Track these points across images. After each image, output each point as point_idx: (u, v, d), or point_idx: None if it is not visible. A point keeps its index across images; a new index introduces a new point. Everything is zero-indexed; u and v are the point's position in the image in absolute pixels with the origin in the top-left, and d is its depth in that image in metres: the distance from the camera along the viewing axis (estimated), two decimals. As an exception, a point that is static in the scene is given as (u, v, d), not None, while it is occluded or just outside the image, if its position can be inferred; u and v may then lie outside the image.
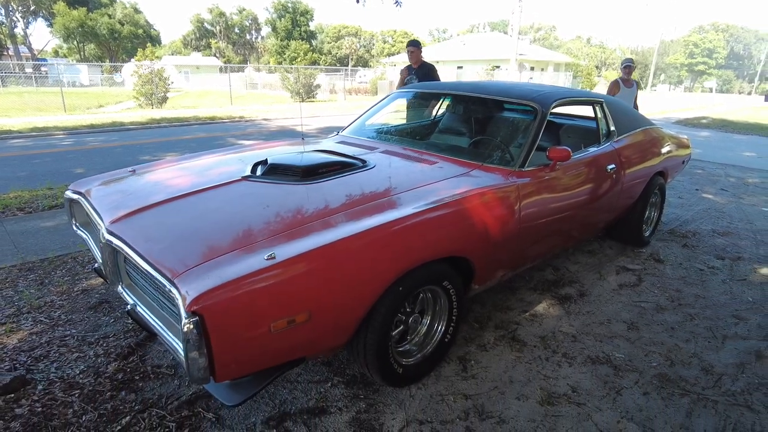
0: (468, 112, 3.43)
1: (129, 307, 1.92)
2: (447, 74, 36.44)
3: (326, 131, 10.73)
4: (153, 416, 1.95)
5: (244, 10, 66.10)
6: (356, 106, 18.84)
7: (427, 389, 2.17)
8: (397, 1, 11.59)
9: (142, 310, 1.87)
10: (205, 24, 65.30)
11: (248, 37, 69.12)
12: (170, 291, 1.54)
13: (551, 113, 3.20)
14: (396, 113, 3.76)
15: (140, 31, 50.37)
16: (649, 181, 3.76)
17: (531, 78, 33.81)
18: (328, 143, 3.18)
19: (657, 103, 25.15)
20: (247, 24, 67.52)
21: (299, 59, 50.13)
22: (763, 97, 26.23)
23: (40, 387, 2.09)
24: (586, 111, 3.67)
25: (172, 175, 2.61)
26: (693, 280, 3.43)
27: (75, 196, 2.47)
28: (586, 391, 2.20)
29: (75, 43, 48.81)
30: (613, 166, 3.22)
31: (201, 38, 65.49)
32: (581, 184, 2.97)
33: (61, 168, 6.93)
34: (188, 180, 2.46)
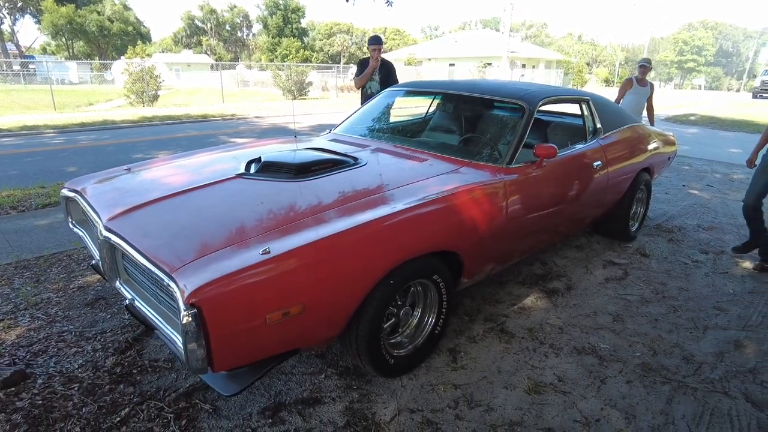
0: (458, 111, 3.50)
1: (127, 301, 1.97)
2: (439, 72, 36.56)
3: (318, 129, 10.78)
4: (151, 408, 2.00)
5: (235, 7, 65.69)
6: (348, 103, 18.87)
7: (418, 379, 2.24)
8: (388, 1, 11.60)
9: (140, 305, 1.92)
10: (196, 21, 64.83)
11: (239, 34, 68.75)
12: (168, 285, 1.59)
13: (539, 111, 3.27)
14: (388, 111, 3.81)
15: (130, 28, 49.92)
16: (635, 177, 3.85)
17: (522, 75, 33.99)
18: (321, 141, 3.24)
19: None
20: (239, 21, 67.11)
21: (291, 56, 49.97)
22: (751, 94, 26.50)
23: (39, 381, 2.14)
24: (575, 109, 3.75)
25: (167, 173, 2.65)
26: (677, 274, 3.52)
27: (71, 194, 2.51)
28: (572, 380, 2.28)
29: (63, 40, 48.32)
30: (599, 162, 3.30)
31: (192, 35, 65.02)
32: (568, 180, 3.05)
33: (53, 166, 6.92)
34: (183, 178, 2.50)
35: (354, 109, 3.83)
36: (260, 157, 2.59)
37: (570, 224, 3.31)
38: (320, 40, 65.56)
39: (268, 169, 2.46)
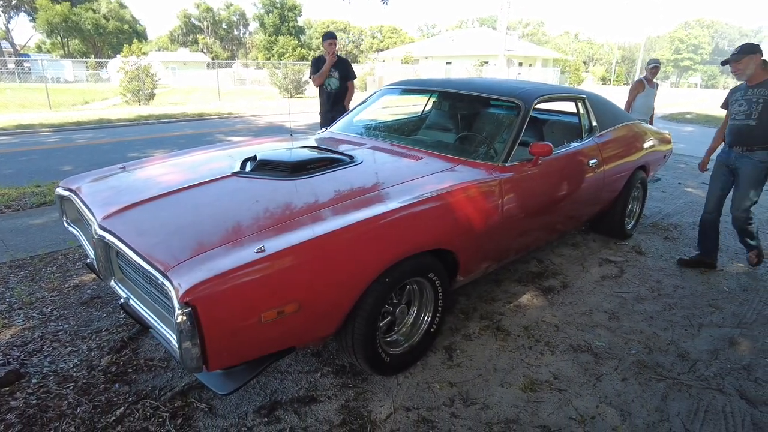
0: (453, 109, 3.50)
1: (122, 300, 1.97)
2: (436, 70, 36.54)
3: (315, 127, 10.75)
4: (147, 407, 2.00)
5: (231, 5, 65.49)
6: (345, 102, 18.82)
7: (414, 378, 2.24)
8: (384, -1, 11.59)
9: (135, 304, 1.92)
10: (192, 19, 64.60)
11: (236, 32, 68.53)
12: (163, 284, 1.59)
13: (535, 109, 3.28)
14: (384, 109, 3.82)
15: (126, 26, 49.67)
16: (631, 175, 3.86)
17: (519, 74, 34.01)
18: (317, 139, 3.23)
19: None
20: (235, 19, 66.90)
21: (287, 55, 49.86)
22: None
23: (34, 380, 2.13)
24: (570, 107, 3.76)
25: (163, 171, 2.65)
26: (673, 272, 3.53)
27: (66, 193, 2.50)
28: (568, 377, 2.29)
29: (59, 38, 48.08)
30: (594, 160, 3.31)
31: (188, 34, 64.78)
32: (563, 178, 3.06)
33: (49, 165, 6.90)
34: (178, 176, 2.50)
35: (353, 108, 3.83)
36: (256, 156, 2.59)
37: (566, 222, 3.32)
38: (317, 38, 65.45)
39: (264, 167, 2.46)
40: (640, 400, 2.15)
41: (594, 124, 3.54)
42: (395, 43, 61.79)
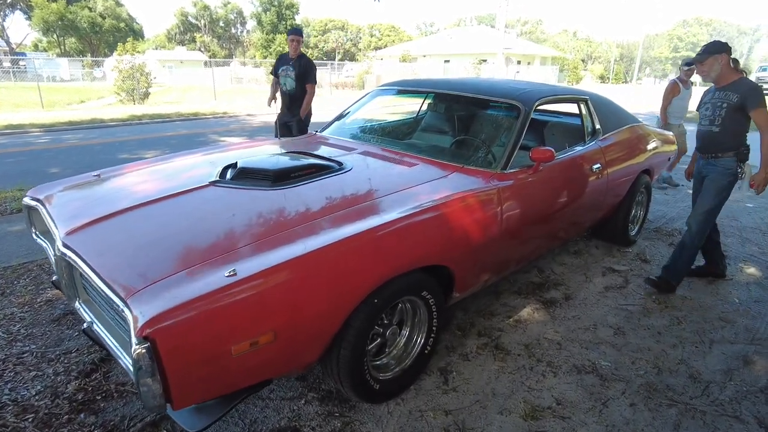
0: (449, 111, 3.32)
1: (85, 325, 1.80)
2: (434, 69, 36.33)
3: (310, 126, 10.56)
4: (113, 441, 1.83)
5: (229, 3, 65.11)
6: (341, 99, 18.63)
7: (406, 404, 2.07)
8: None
9: (99, 329, 1.75)
10: (190, 18, 64.21)
11: (233, 31, 68.18)
12: (123, 311, 1.42)
13: (536, 111, 3.11)
14: (378, 111, 3.64)
15: (122, 24, 49.38)
16: (636, 179, 3.70)
17: (518, 72, 33.82)
18: (305, 143, 3.06)
19: (643, 97, 25.25)
20: (232, 18, 66.56)
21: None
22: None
23: (-8, 410, 1.96)
24: (572, 108, 3.59)
25: (138, 180, 2.47)
26: (683, 277, 3.36)
27: (33, 203, 2.32)
28: (572, 403, 2.12)
29: (55, 36, 47.77)
30: (598, 165, 3.14)
31: (185, 32, 64.42)
32: (566, 185, 2.89)
33: (36, 167, 6.71)
34: (153, 186, 2.32)
35: (345, 107, 3.65)
36: (236, 163, 2.41)
37: (568, 230, 3.16)
38: (315, 36, 65.18)
39: (244, 175, 2.28)
40: (650, 428, 1.98)
41: (597, 126, 3.37)
42: (393, 41, 61.53)
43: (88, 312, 1.84)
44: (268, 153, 2.79)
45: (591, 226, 3.62)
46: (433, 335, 2.18)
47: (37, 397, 2.04)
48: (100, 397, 2.06)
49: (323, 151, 2.81)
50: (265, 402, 2.06)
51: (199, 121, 12.60)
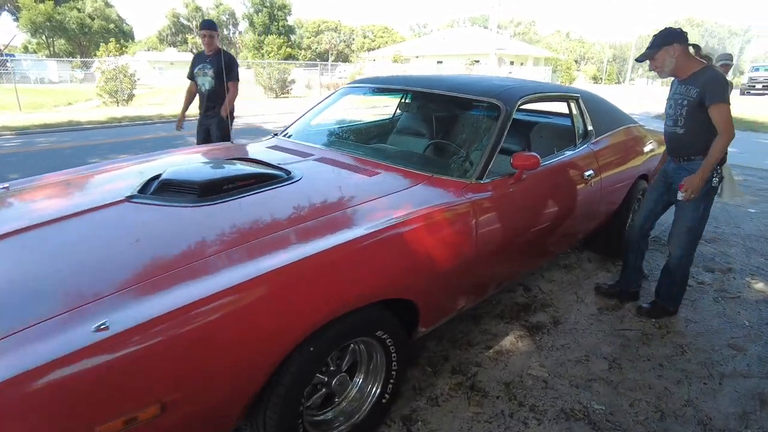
0: (423, 112, 2.96)
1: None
2: (426, 69, 36.04)
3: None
4: None
5: (221, 4, 64.57)
6: (332, 102, 18.22)
7: (358, 468, 1.70)
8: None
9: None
10: (181, 19, 63.67)
11: (226, 32, 67.63)
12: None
13: (520, 110, 2.76)
14: (346, 111, 3.28)
15: (111, 26, 48.76)
16: (632, 185, 3.35)
17: (510, 72, 33.51)
18: (258, 148, 2.69)
19: (635, 97, 25.04)
20: (225, 19, 66.02)
21: (272, 54, 49.23)
22: (739, 90, 26.26)
23: None
24: (563, 107, 3.24)
25: (48, 193, 2.09)
26: (682, 299, 3.01)
27: None
28: (559, 461, 1.76)
29: (44, 38, 47.11)
30: (590, 172, 2.78)
31: (177, 33, 63.87)
32: (553, 194, 2.53)
33: (-4, 173, 6.29)
34: (61, 202, 1.95)
35: (305, 110, 3.28)
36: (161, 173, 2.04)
37: (557, 244, 2.80)
38: (308, 37, 64.76)
39: (167, 188, 1.91)
40: (654, 496, 1.63)
41: (590, 128, 3.02)
42: (387, 42, 61.20)
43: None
44: (212, 159, 2.41)
45: (584, 238, 3.27)
46: (392, 381, 1.81)
47: None
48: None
49: (275, 156, 2.44)
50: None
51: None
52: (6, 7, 44.62)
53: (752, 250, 3.89)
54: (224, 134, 4.33)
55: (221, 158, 2.40)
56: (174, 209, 1.76)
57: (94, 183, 2.18)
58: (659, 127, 3.13)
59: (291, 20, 61.23)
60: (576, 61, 60.27)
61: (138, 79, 18.05)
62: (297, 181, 2.05)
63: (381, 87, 3.01)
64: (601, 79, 54.45)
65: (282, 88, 21.11)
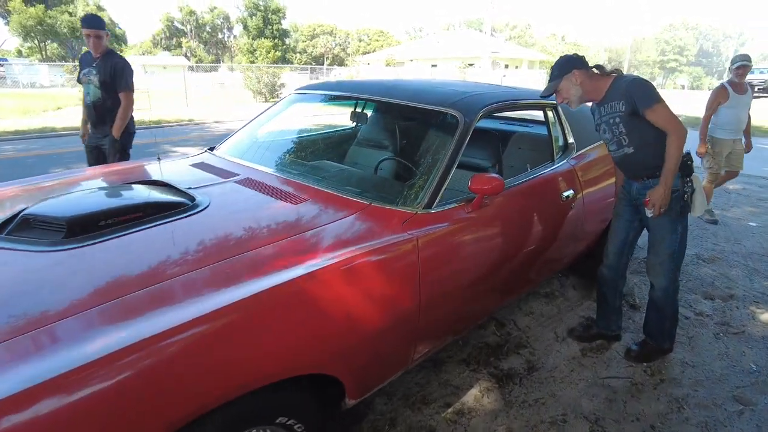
0: (373, 124, 2.57)
1: None
2: (421, 72, 35.73)
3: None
4: None
5: (215, 8, 64.29)
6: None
7: None
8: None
9: None
10: (175, 23, 63.35)
11: (220, 36, 67.26)
12: None
13: (495, 118, 2.37)
14: (293, 120, 2.89)
15: (104, 30, 48.36)
16: (621, 203, 2.96)
17: (504, 75, 33.17)
18: (177, 167, 2.29)
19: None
20: (219, 23, 65.68)
21: (261, 57, 48.93)
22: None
23: None
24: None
25: None
26: (678, 337, 2.61)
27: None
28: None
29: (36, 42, 46.68)
30: (569, 192, 2.40)
31: (171, 37, 63.52)
32: (523, 221, 2.15)
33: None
34: None
35: (248, 119, 2.89)
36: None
37: (530, 277, 2.41)
38: (303, 41, 64.43)
39: (28, 226, 1.51)
40: None
41: (570, 140, 2.63)
42: (382, 46, 60.91)
43: None
44: (108, 184, 2.01)
45: (569, 263, 2.89)
46: (306, 474, 1.41)
47: None
48: None
49: (192, 177, 2.04)
50: None
51: (158, 130, 11.75)
52: (-3, 12, 44.20)
53: (755, 272, 3.51)
54: (122, 157, 3.56)
55: (119, 182, 2.00)
56: (26, 254, 1.36)
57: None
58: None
59: (286, 24, 60.96)
60: (571, 65, 59.86)
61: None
62: (199, 211, 1.66)
63: (330, 93, 2.61)
64: (596, 82, 54.07)
65: (272, 91, 20.74)
